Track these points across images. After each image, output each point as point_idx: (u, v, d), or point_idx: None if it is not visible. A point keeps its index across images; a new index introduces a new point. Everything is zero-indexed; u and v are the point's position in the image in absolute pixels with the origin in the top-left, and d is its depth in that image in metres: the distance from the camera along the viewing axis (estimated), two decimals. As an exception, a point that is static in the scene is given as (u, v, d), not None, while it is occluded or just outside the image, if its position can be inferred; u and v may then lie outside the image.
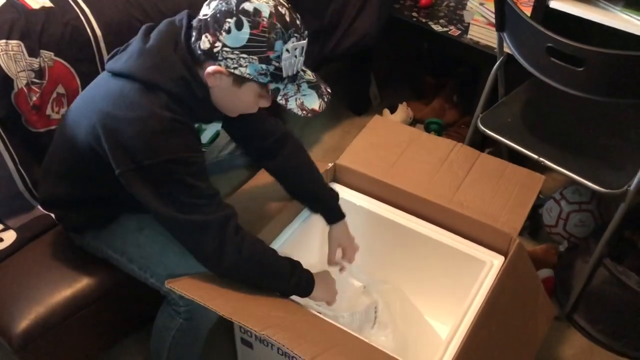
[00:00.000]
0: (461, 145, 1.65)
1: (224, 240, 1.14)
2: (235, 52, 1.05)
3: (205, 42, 1.07)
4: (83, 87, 1.55)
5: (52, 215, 1.51)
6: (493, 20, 1.95)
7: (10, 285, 1.37)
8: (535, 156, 1.59)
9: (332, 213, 1.47)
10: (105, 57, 1.57)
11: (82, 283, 1.39)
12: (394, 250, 1.59)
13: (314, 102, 1.13)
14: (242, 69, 1.07)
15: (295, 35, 1.08)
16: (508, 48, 1.62)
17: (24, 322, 1.30)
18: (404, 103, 2.50)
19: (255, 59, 1.06)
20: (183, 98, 1.10)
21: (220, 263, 1.16)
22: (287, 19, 1.07)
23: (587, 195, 1.91)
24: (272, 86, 1.11)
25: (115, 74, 1.13)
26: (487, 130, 1.69)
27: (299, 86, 1.13)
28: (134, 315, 1.60)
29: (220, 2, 1.06)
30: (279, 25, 1.05)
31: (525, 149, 1.62)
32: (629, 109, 1.78)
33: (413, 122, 2.50)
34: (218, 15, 1.05)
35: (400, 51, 2.68)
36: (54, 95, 1.51)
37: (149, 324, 1.41)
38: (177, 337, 1.32)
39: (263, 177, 1.53)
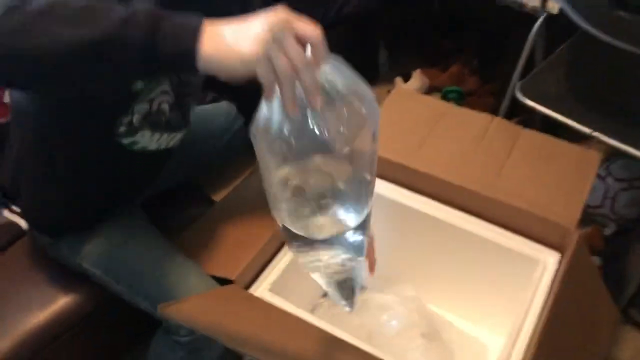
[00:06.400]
0: (499, 119, 1.41)
1: None
2: None
3: None
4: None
5: (22, 220, 1.29)
6: (526, -29, 1.71)
7: (-31, 313, 1.14)
8: (589, 130, 1.37)
9: None
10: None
11: (58, 304, 1.17)
12: (425, 247, 1.36)
13: None
14: None
15: None
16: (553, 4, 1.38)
17: (-13, 360, 1.09)
18: (418, 70, 2.26)
19: None
20: None
21: None
22: None
23: (638, 171, 1.69)
24: None
25: None
26: (528, 101, 1.46)
27: None
28: (120, 338, 1.38)
29: None
30: None
31: (576, 121, 1.40)
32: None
33: (429, 91, 2.27)
34: None
35: (410, 12, 2.43)
36: (12, 78, 1.27)
37: (139, 346, 1.20)
38: None
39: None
